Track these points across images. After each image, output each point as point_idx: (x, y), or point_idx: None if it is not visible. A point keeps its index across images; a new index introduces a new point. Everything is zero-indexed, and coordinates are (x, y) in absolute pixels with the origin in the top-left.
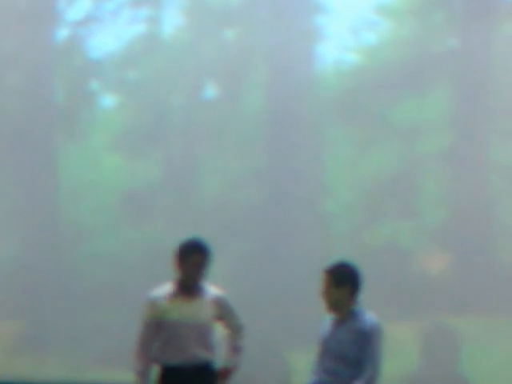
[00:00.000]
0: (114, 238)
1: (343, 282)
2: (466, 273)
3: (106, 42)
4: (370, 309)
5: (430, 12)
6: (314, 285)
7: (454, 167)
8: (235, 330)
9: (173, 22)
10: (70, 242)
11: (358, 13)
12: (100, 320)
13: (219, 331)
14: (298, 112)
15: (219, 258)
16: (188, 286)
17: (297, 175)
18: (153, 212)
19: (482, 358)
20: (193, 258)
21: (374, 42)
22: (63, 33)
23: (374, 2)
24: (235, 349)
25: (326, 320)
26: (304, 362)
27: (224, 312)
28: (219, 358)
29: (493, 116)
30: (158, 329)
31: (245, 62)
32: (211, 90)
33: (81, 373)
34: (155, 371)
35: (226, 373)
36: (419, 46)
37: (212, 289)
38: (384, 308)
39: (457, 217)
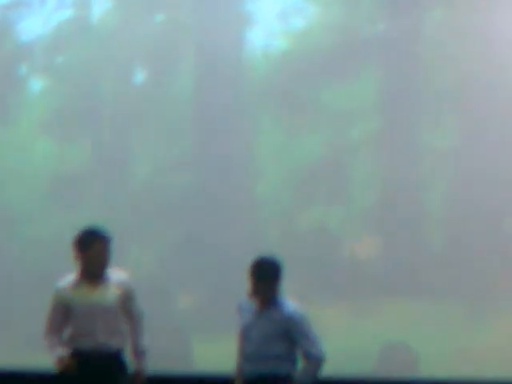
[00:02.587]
0: (45, 223)
1: (267, 276)
2: (395, 257)
3: (35, 26)
4: (301, 292)
5: None
6: (245, 270)
7: (384, 152)
8: (135, 318)
9: (102, 6)
10: (1, 227)
11: None
12: (30, 305)
13: None
14: (227, 97)
15: (149, 242)
16: (92, 274)
17: (227, 160)
18: (83, 196)
19: (410, 339)
20: (95, 247)
21: (302, 26)
22: None
23: None
24: (138, 353)
25: (243, 307)
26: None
27: (125, 297)
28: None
29: (422, 101)
30: (64, 316)
31: (173, 47)
32: (140, 75)
33: (10, 357)
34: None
35: (137, 378)
36: (348, 31)
37: (117, 273)
38: (315, 292)
39: (386, 201)
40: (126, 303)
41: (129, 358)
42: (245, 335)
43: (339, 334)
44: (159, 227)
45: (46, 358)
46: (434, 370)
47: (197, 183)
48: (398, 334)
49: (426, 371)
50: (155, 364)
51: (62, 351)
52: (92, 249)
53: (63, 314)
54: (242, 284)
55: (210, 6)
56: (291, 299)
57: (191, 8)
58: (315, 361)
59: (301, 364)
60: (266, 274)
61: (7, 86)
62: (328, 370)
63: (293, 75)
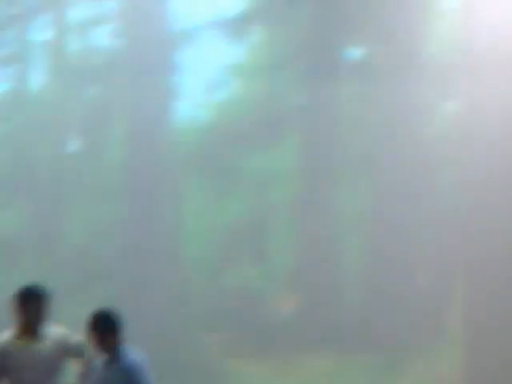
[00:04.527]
0: None
1: (107, 328)
2: (315, 312)
3: None
4: (224, 348)
5: (280, 70)
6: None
7: (302, 213)
8: (81, 355)
9: (39, 79)
10: None
11: (211, 72)
12: None
13: None
14: (156, 164)
15: (79, 301)
16: (29, 330)
17: (156, 224)
18: (20, 258)
19: None
20: (32, 305)
21: (227, 98)
22: None
23: (226, 61)
24: None
25: (95, 362)
26: None
27: (63, 351)
28: None
29: (337, 167)
30: (1, 370)
31: (106, 117)
32: (75, 144)
33: None
34: None
35: None
36: (269, 103)
37: (53, 328)
38: (238, 347)
39: (305, 260)
40: (65, 356)
41: None
42: None
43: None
44: (93, 288)
45: None
46: None
47: (128, 245)
48: None
49: None
50: None
51: None
52: (30, 306)
53: (0, 367)
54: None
55: (141, 80)
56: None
57: (124, 81)
58: None
59: None
60: (106, 326)
61: None
62: None
63: (218, 144)
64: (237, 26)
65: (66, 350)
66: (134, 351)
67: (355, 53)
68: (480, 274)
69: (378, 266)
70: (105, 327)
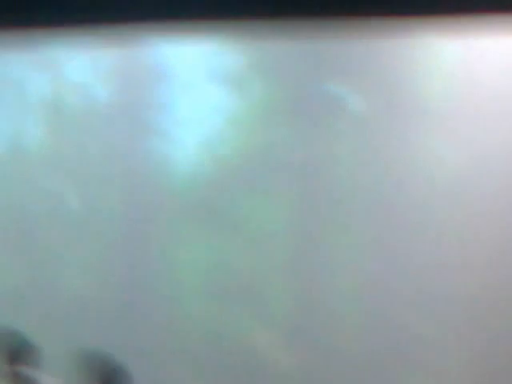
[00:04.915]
0: None
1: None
2: (312, 368)
3: None
4: None
5: (276, 123)
6: None
7: (296, 277)
8: None
9: (35, 132)
10: None
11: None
12: None
13: None
14: (152, 213)
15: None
16: None
17: (152, 275)
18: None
19: None
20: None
21: (224, 149)
22: None
23: (223, 112)
24: None
25: None
26: None
27: None
28: None
29: (334, 222)
30: None
31: (104, 172)
32: (73, 200)
33: None
34: None
35: None
36: (267, 155)
37: None
38: None
39: (301, 311)
40: None
41: None
42: None
43: None
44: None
45: None
46: None
47: (126, 298)
48: None
49: None
50: None
51: None
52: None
53: None
54: None
55: (137, 132)
56: None
57: (120, 136)
58: None
59: None
60: None
61: None
62: None
63: (214, 194)
64: (234, 79)
65: None
66: None
67: (354, 104)
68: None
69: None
70: None
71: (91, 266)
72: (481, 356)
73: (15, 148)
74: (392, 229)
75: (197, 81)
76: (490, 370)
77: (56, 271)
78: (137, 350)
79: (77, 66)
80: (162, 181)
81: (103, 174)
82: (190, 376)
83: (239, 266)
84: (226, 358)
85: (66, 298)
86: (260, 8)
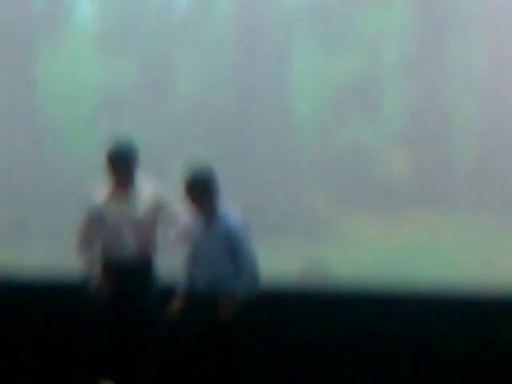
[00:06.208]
0: (92, 138)
1: (206, 190)
2: (425, 172)
3: None
4: (335, 207)
5: None
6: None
7: (415, 72)
8: (168, 226)
9: None
10: (50, 141)
11: None
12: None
13: None
14: (266, 17)
15: (193, 155)
16: (123, 187)
17: (266, 78)
18: (131, 112)
19: (440, 250)
20: (121, 162)
21: None
22: None
23: None
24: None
25: (191, 226)
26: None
27: (157, 207)
28: None
29: (452, 22)
30: (97, 227)
31: None
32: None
33: (62, 260)
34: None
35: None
36: None
37: (148, 185)
38: (349, 203)
39: (417, 119)
40: (158, 214)
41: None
42: (193, 254)
43: (371, 246)
44: (198, 144)
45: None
46: (463, 280)
47: (236, 102)
48: (425, 243)
49: (454, 280)
50: None
51: (95, 265)
52: (119, 164)
53: (95, 226)
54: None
55: None
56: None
57: None
58: (250, 278)
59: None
60: (199, 193)
61: (59, 5)
62: (361, 279)
63: None
64: None
65: (159, 217)
66: (232, 213)
67: None
68: None
69: (491, 127)
70: (201, 189)
71: (201, 67)
72: None
73: None
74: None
75: None
76: None
77: (167, 71)
78: (250, 151)
79: None
80: None
81: None
82: (302, 177)
83: (354, 71)
84: (340, 164)
85: (176, 99)
86: None
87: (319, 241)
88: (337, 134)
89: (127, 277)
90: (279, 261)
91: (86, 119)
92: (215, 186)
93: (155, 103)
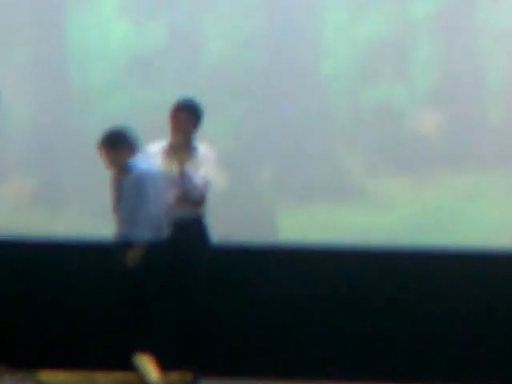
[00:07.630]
0: (122, 99)
1: (115, 143)
2: (456, 131)
3: None
4: (365, 165)
5: None
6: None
7: (445, 31)
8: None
9: None
10: (81, 103)
11: None
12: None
13: None
14: None
15: (222, 117)
16: (177, 146)
17: (296, 38)
18: (160, 74)
19: (473, 211)
20: (178, 117)
21: None
22: None
23: None
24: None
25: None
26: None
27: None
28: None
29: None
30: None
31: None
32: None
33: (94, 227)
34: None
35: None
36: None
37: (202, 147)
38: (379, 165)
39: (447, 78)
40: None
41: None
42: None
43: (401, 204)
44: (233, 102)
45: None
46: (490, 239)
47: (267, 60)
48: (457, 204)
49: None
50: (240, 234)
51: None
52: (177, 119)
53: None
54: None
55: None
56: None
57: None
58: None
59: None
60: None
61: None
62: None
63: None
64: None
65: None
66: (146, 161)
67: None
68: None
69: None
70: (115, 142)
71: (232, 26)
72: None
73: None
74: None
75: None
76: None
77: (197, 31)
78: (279, 110)
79: None
80: None
81: None
82: (331, 137)
83: (383, 31)
84: (367, 119)
85: (207, 59)
86: None
87: (349, 204)
88: (366, 94)
89: (178, 233)
90: (309, 225)
91: (116, 81)
92: (123, 140)
93: (184, 64)
